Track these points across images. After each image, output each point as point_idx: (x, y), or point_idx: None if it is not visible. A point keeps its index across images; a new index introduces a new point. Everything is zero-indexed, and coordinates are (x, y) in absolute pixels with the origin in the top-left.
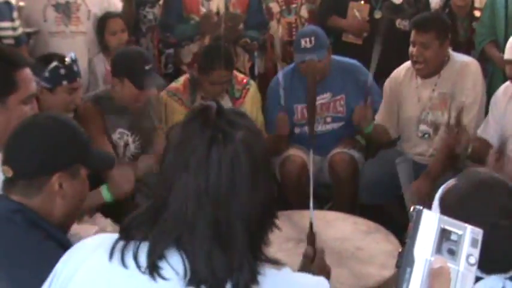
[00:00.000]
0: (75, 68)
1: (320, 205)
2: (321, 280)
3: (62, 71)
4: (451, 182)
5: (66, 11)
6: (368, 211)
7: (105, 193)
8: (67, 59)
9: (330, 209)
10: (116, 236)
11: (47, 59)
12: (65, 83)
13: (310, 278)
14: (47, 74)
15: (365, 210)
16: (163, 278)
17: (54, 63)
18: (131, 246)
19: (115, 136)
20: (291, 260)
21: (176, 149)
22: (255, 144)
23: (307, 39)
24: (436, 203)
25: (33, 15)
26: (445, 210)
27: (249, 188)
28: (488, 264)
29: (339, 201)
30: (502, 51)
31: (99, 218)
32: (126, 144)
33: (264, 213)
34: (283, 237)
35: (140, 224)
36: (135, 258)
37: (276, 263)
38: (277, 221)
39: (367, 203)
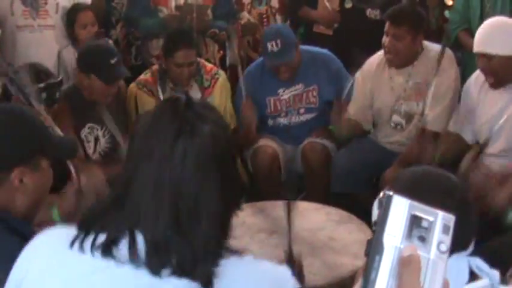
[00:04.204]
0: (57, 94)
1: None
2: (283, 268)
3: (44, 95)
4: (389, 183)
5: (33, 5)
6: (341, 200)
7: (54, 214)
8: (52, 82)
9: (303, 199)
10: (73, 230)
11: (35, 74)
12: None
13: (272, 265)
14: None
15: (338, 199)
16: (121, 263)
17: (39, 85)
18: (90, 236)
19: (84, 131)
20: (263, 250)
21: (142, 139)
22: (222, 139)
23: (273, 43)
24: (375, 207)
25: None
26: None
27: (213, 182)
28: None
29: (312, 191)
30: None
31: None
32: (97, 139)
33: (227, 207)
34: (256, 228)
35: (100, 215)
36: (93, 247)
37: (238, 252)
38: (243, 213)
39: (340, 192)
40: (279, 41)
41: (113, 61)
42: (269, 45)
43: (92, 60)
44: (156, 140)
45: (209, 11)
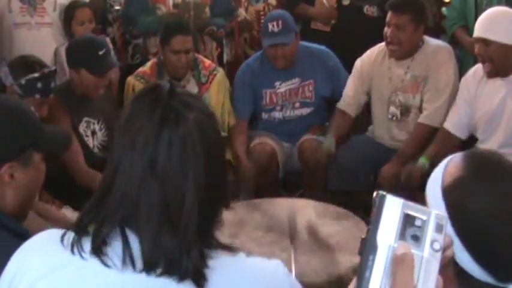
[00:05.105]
0: (52, 84)
1: (290, 192)
2: (278, 264)
3: (39, 85)
4: (453, 167)
5: (31, 2)
6: (339, 197)
7: None
8: (46, 71)
9: (301, 196)
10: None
11: (29, 65)
12: (37, 96)
13: (266, 262)
14: (23, 82)
15: (336, 196)
16: (108, 265)
17: (34, 75)
18: (80, 235)
19: (82, 126)
20: (260, 248)
21: (123, 128)
22: (208, 126)
23: (275, 23)
24: (435, 191)
25: None
26: (452, 207)
27: (201, 170)
28: (507, 272)
29: (310, 188)
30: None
31: (68, 211)
32: (94, 133)
33: (215, 197)
34: (253, 226)
35: (89, 212)
36: (81, 246)
37: (230, 248)
38: (240, 210)
39: (338, 189)
40: (280, 22)
41: (101, 52)
42: (270, 26)
43: (80, 54)
44: (137, 128)
45: (207, 9)
